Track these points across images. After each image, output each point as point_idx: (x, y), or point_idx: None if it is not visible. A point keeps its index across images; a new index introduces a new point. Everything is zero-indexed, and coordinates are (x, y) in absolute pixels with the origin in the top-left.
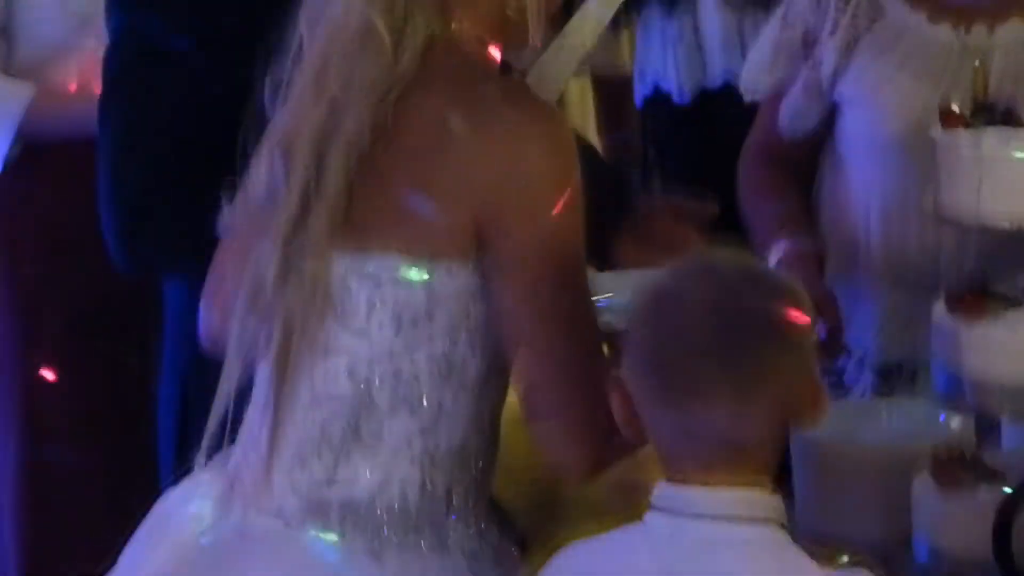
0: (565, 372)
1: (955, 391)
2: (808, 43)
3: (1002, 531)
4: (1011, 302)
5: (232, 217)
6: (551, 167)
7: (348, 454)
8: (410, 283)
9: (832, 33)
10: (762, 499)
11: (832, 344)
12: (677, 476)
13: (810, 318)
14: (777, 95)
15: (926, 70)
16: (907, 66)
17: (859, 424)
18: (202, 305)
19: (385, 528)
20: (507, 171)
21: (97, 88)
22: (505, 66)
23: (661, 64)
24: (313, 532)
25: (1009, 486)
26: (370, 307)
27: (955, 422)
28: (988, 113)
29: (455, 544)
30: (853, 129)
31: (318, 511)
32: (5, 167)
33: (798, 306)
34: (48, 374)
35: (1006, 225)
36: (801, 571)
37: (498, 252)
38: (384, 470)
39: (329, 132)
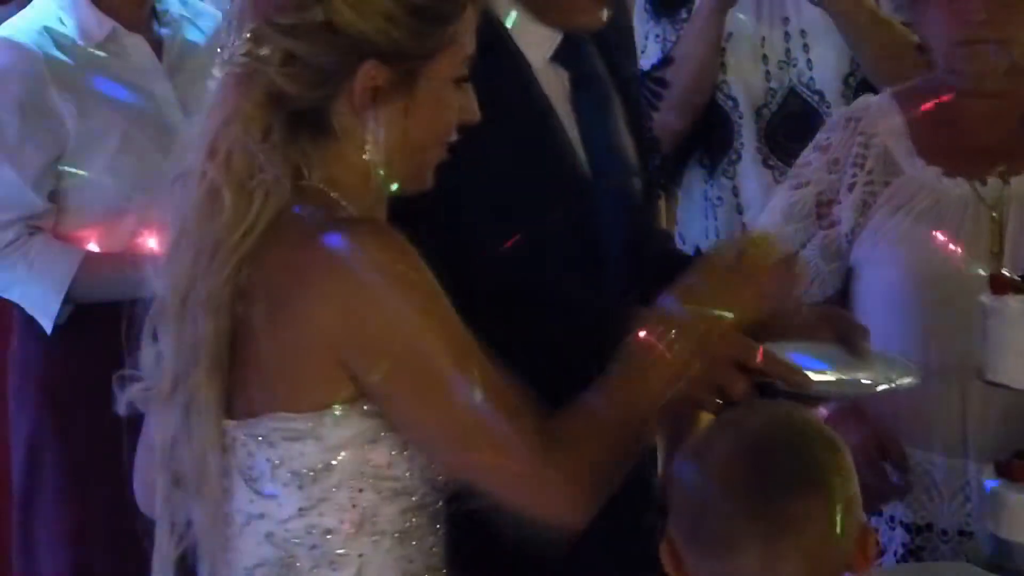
0: (491, 429)
1: (1002, 555)
2: (823, 204)
3: None
4: None
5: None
6: (388, 295)
7: None
8: (301, 438)
9: (849, 191)
10: None
11: (901, 482)
12: None
13: (850, 467)
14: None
15: (943, 224)
16: (924, 220)
17: None
18: (134, 481)
19: None
20: (349, 311)
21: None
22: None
23: (702, 227)
24: None
25: None
26: (272, 468)
27: None
28: None
29: None
30: (871, 288)
31: None
32: (55, 329)
33: (834, 457)
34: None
35: None
36: None
37: (369, 388)
38: None
39: (193, 296)
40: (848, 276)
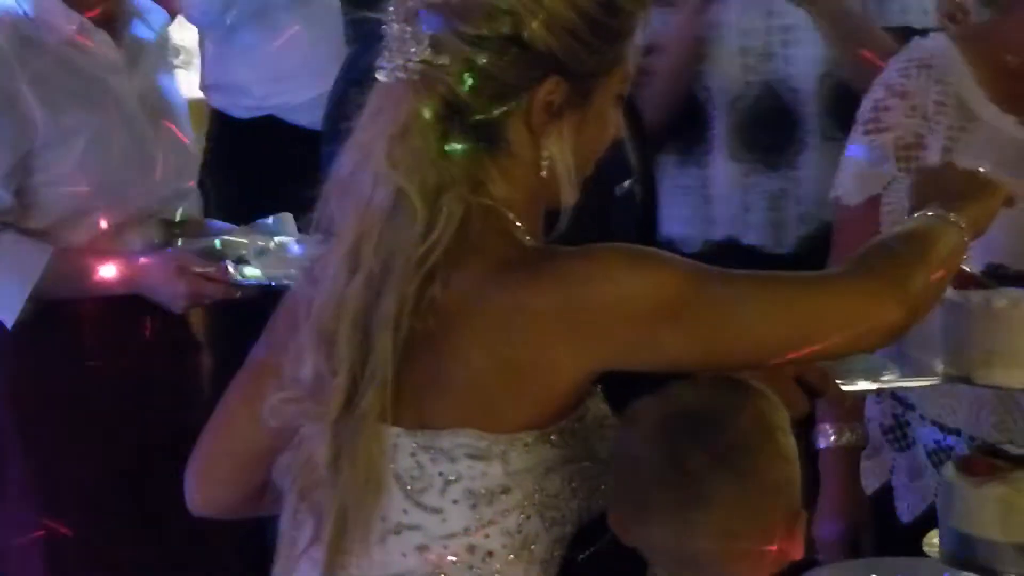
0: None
1: (962, 550)
2: (901, 147)
3: None
4: (1018, 461)
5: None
6: (629, 283)
7: None
8: (486, 459)
9: (932, 136)
10: None
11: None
12: None
13: (785, 452)
14: (873, 201)
15: (1019, 169)
16: (1001, 166)
17: None
18: (186, 479)
19: None
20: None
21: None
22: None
23: (669, 214)
24: None
25: None
26: (444, 484)
27: None
28: (1000, 275)
29: None
30: None
31: None
32: (19, 325)
33: (764, 439)
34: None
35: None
36: None
37: (652, 358)
38: None
39: (370, 310)
40: None
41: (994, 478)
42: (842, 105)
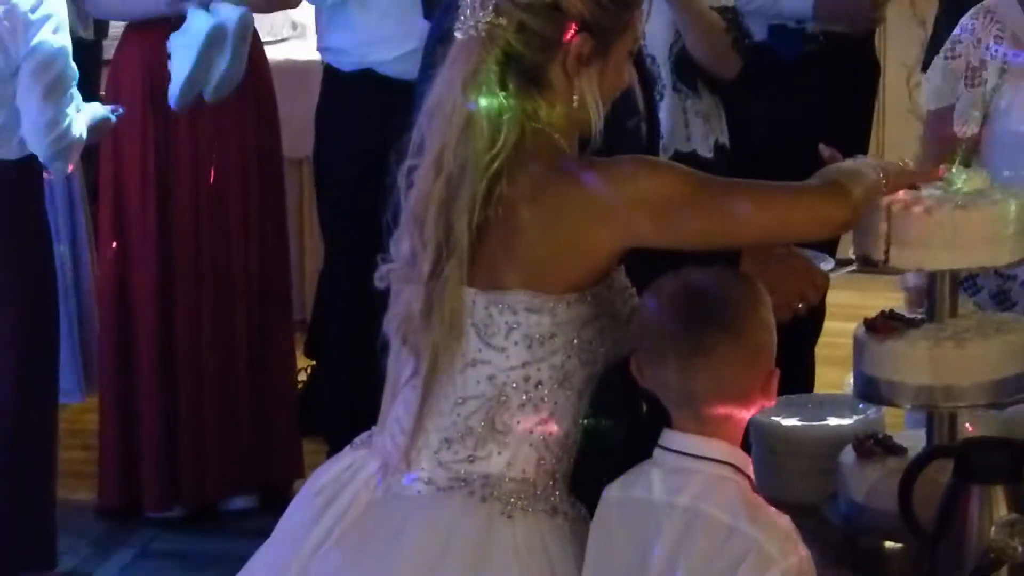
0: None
1: (870, 388)
2: (969, 69)
3: (905, 491)
4: (911, 324)
5: (384, 270)
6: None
7: (485, 440)
8: (539, 312)
9: (992, 60)
10: (720, 446)
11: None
12: (672, 421)
13: (766, 322)
14: (948, 107)
15: None
16: None
17: (800, 411)
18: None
19: (513, 496)
20: (629, 194)
21: None
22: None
23: None
24: (459, 497)
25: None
26: (508, 329)
27: (871, 411)
28: None
29: (560, 509)
30: (1002, 132)
31: (463, 482)
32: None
33: (753, 309)
34: None
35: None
36: (758, 505)
37: (669, 233)
38: (512, 452)
39: (451, 201)
40: (984, 122)
41: (892, 335)
42: (684, 67)
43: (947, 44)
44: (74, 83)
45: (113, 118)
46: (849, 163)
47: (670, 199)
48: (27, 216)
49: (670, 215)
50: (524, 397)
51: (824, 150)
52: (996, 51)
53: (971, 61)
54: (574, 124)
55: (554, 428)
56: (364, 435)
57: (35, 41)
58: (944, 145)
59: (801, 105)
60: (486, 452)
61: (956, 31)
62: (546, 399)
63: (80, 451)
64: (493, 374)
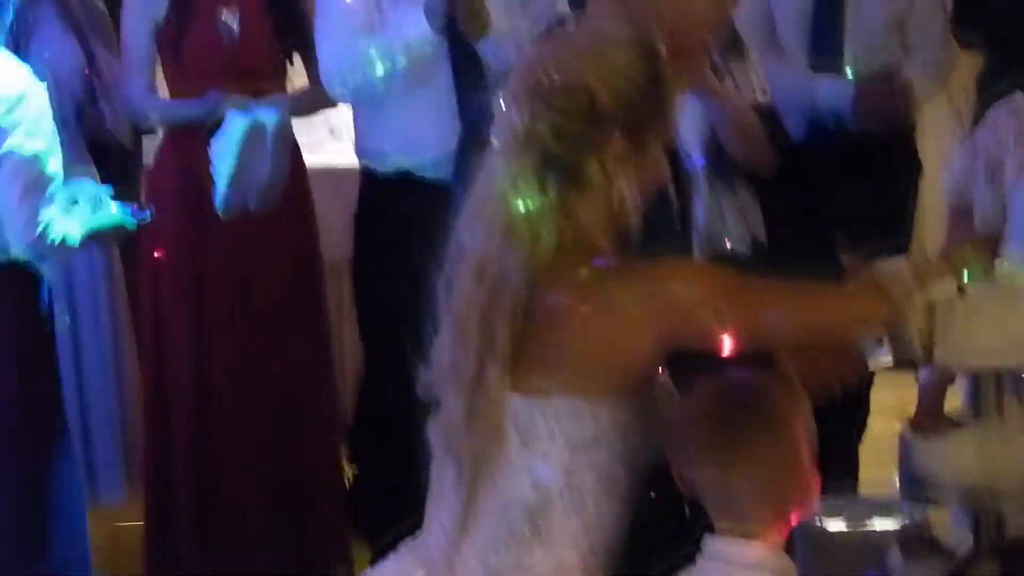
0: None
1: (916, 488)
2: (991, 165)
3: None
4: (956, 424)
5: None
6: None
7: (531, 547)
8: (581, 417)
9: (1011, 159)
10: (763, 552)
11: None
12: (714, 526)
13: (804, 427)
14: (969, 203)
15: None
16: None
17: (845, 513)
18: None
19: None
20: (669, 300)
21: None
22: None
23: None
24: None
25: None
26: (551, 435)
27: (917, 511)
28: None
29: None
30: (1017, 229)
31: None
32: None
33: (789, 416)
34: None
35: None
36: None
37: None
38: (557, 559)
39: (493, 308)
40: (1004, 217)
41: (938, 434)
42: (720, 164)
43: (968, 139)
44: (53, 185)
45: (134, 222)
46: (885, 265)
47: (711, 302)
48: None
49: (711, 318)
50: (569, 503)
51: (847, 258)
52: (1015, 152)
53: (991, 157)
54: (613, 223)
55: (600, 535)
56: (409, 541)
57: (6, 148)
58: (963, 243)
59: (840, 202)
60: (533, 559)
61: (979, 126)
62: (590, 506)
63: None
64: (537, 480)
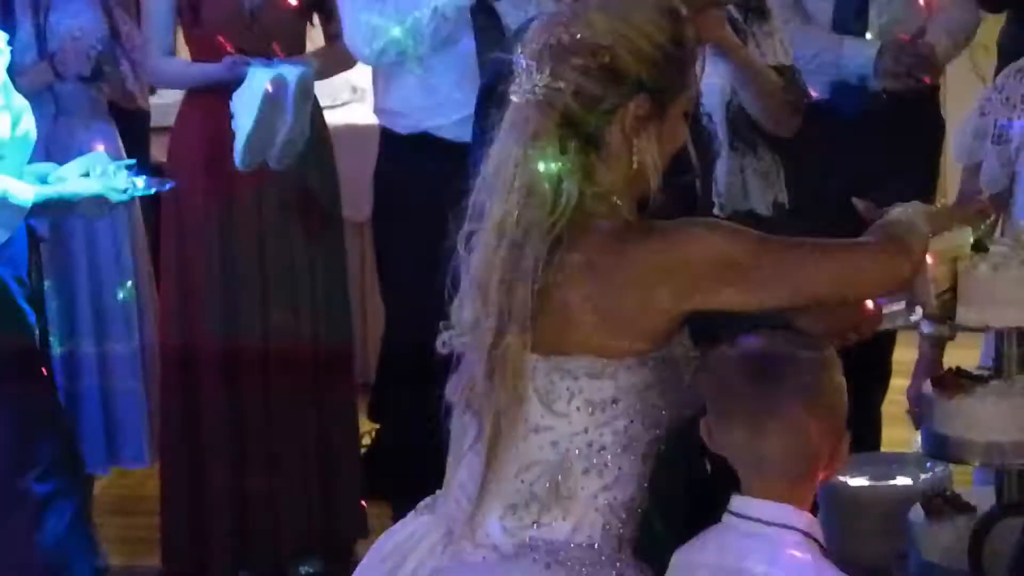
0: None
1: (938, 446)
2: (997, 127)
3: (975, 550)
4: (978, 380)
5: (446, 336)
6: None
7: (550, 506)
8: (600, 377)
9: (1018, 119)
10: (790, 512)
11: None
12: (741, 485)
13: (838, 385)
14: (978, 164)
15: None
16: None
17: (868, 470)
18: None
19: (579, 562)
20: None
21: None
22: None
23: None
24: (524, 563)
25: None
26: (570, 395)
27: (940, 469)
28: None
29: (626, 574)
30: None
31: (528, 548)
32: None
33: (824, 373)
34: None
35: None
36: (829, 570)
37: (732, 294)
38: (577, 518)
39: (514, 267)
40: (1012, 178)
41: (960, 392)
42: (741, 125)
43: (978, 101)
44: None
45: (112, 197)
46: (898, 213)
47: (731, 261)
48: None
49: (731, 277)
50: (588, 463)
51: (859, 203)
52: (1022, 112)
53: (999, 119)
54: (632, 185)
55: (619, 493)
56: (428, 500)
57: None
58: (972, 204)
59: (864, 163)
60: (551, 518)
61: (989, 88)
62: (610, 464)
63: (144, 517)
64: (556, 440)
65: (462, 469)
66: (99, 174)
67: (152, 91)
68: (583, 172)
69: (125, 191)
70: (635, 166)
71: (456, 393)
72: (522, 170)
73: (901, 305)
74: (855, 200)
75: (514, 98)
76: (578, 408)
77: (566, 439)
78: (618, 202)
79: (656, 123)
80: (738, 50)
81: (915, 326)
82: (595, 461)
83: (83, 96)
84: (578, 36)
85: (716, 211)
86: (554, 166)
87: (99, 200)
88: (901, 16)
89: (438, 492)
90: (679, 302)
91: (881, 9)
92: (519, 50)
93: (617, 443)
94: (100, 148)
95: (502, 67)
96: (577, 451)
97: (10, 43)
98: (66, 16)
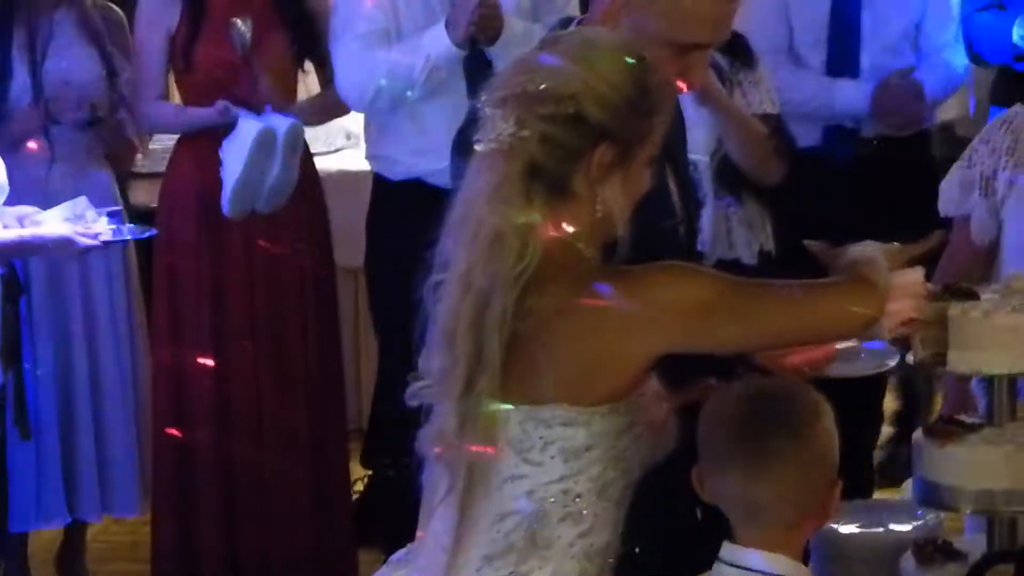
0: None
1: (930, 493)
2: (984, 178)
3: None
4: (970, 429)
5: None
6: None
7: (527, 556)
8: (575, 425)
9: (1003, 172)
10: (782, 562)
11: None
12: (733, 533)
13: (829, 431)
14: (965, 216)
15: None
16: None
17: (859, 518)
18: None
19: None
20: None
21: None
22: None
23: None
24: None
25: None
26: (544, 444)
27: (931, 516)
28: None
29: None
30: (1014, 236)
31: None
32: None
33: (815, 420)
34: None
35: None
36: None
37: (703, 340)
38: (554, 566)
39: (481, 317)
40: (999, 228)
41: (952, 440)
42: (727, 174)
43: (966, 151)
44: None
45: (79, 242)
46: (859, 251)
47: (700, 305)
48: None
49: (700, 321)
50: (564, 511)
51: (813, 245)
52: (1005, 163)
53: (984, 171)
54: (598, 232)
55: (595, 539)
56: (399, 554)
57: None
58: (959, 257)
59: (855, 212)
60: (528, 568)
61: (976, 139)
62: (586, 512)
63: (137, 564)
64: (532, 489)
65: (435, 521)
66: (74, 219)
67: (149, 138)
68: (549, 220)
69: (96, 236)
70: (599, 213)
71: (428, 444)
72: (487, 220)
73: (855, 342)
74: (807, 242)
75: (478, 147)
76: (552, 457)
77: (541, 488)
78: (585, 249)
79: (620, 171)
80: (722, 99)
81: (901, 370)
82: (571, 509)
83: (79, 142)
84: (542, 85)
85: (700, 259)
86: (520, 215)
87: (66, 243)
88: (893, 59)
89: (409, 545)
90: (649, 348)
91: (873, 52)
92: (483, 98)
93: (592, 490)
94: (82, 197)
95: (476, 114)
96: (552, 499)
97: (7, 87)
98: (63, 60)
